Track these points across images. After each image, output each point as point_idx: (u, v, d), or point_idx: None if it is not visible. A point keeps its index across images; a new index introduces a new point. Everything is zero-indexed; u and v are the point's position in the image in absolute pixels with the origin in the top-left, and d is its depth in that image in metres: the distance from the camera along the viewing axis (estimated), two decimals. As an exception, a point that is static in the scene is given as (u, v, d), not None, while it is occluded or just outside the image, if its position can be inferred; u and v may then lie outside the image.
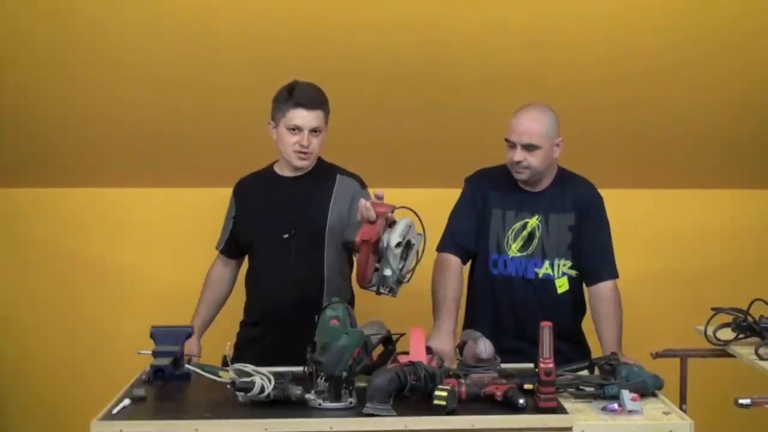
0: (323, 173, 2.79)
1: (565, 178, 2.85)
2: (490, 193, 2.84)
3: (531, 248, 2.77)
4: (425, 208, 3.89)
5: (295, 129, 2.67)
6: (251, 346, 2.75)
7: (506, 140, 2.73)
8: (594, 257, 2.79)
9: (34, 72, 3.19)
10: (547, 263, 2.77)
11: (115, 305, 3.75)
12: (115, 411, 2.13)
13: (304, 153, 2.70)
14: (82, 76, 3.21)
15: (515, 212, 2.79)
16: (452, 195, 3.83)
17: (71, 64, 3.16)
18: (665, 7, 3.06)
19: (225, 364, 2.48)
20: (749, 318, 2.65)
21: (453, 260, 2.80)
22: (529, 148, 2.69)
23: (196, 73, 3.22)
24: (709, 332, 2.72)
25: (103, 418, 2.09)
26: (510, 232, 2.79)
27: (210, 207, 3.51)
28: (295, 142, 2.68)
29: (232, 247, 2.91)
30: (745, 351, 2.60)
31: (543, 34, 3.14)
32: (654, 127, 3.54)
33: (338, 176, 2.81)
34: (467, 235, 2.84)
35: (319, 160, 2.80)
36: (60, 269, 3.76)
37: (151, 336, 2.48)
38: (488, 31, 3.11)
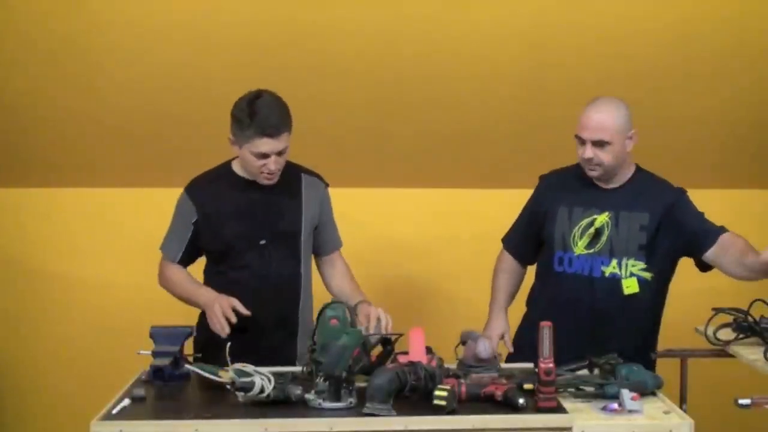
0: (288, 174, 2.72)
1: (642, 177, 2.76)
2: (559, 191, 2.78)
3: (598, 245, 2.68)
4: (423, 207, 3.90)
5: (262, 156, 2.59)
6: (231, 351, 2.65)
7: (576, 137, 2.65)
8: (701, 234, 2.66)
9: (25, 73, 3.20)
10: (614, 261, 2.67)
11: (115, 304, 3.75)
12: (115, 411, 2.13)
13: (272, 175, 2.64)
14: (75, 76, 3.22)
15: (583, 209, 2.71)
16: (453, 195, 3.85)
17: (62, 64, 3.17)
18: (663, 9, 3.06)
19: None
20: (749, 318, 2.65)
21: (509, 258, 2.91)
22: (600, 144, 2.60)
23: (189, 72, 3.23)
24: (709, 332, 2.72)
25: (103, 418, 2.09)
26: (576, 229, 2.71)
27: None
28: (261, 165, 2.60)
29: (191, 254, 2.78)
30: (745, 351, 2.60)
31: (542, 36, 3.14)
32: (653, 128, 3.53)
33: (302, 176, 2.79)
34: (526, 235, 2.88)
35: None
36: (60, 269, 3.76)
37: (151, 336, 2.48)
38: (488, 32, 3.11)
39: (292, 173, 2.75)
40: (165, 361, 2.37)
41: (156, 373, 2.37)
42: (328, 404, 2.14)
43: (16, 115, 3.38)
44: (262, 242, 2.70)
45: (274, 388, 2.15)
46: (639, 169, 2.77)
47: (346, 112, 3.36)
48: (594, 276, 2.68)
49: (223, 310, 2.56)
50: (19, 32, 3.06)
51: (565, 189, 2.77)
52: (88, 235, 3.77)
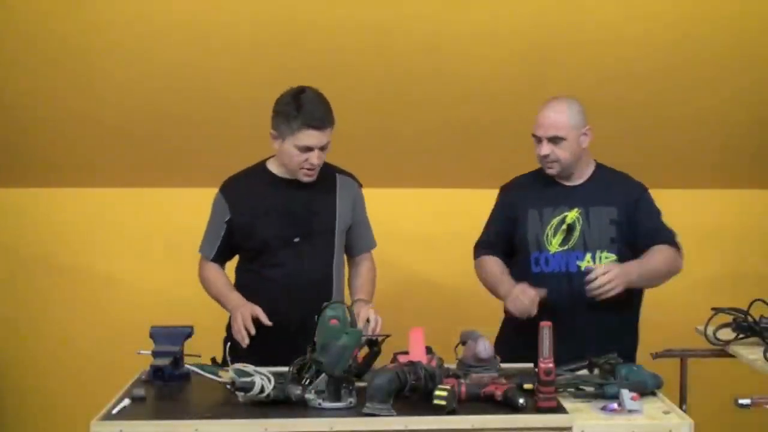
0: (323, 174, 2.74)
1: (604, 173, 2.84)
2: (525, 195, 2.84)
3: (572, 241, 2.74)
4: (424, 207, 3.90)
5: (306, 149, 2.61)
6: (258, 350, 2.63)
7: (533, 136, 2.74)
8: (648, 238, 2.74)
9: (27, 73, 3.20)
10: (588, 255, 2.73)
11: (115, 304, 3.75)
12: (115, 411, 2.13)
13: (313, 170, 2.66)
14: (74, 76, 3.21)
15: (552, 208, 2.78)
16: (455, 195, 3.85)
17: (62, 64, 3.16)
18: (663, 9, 3.06)
19: (215, 365, 2.46)
20: (749, 318, 2.66)
21: (488, 255, 2.88)
22: (555, 140, 2.70)
23: (189, 72, 3.23)
24: (709, 332, 2.72)
25: (103, 418, 2.09)
26: (549, 228, 2.76)
27: (205, 207, 3.51)
28: (304, 160, 2.62)
29: (224, 253, 2.80)
30: (745, 351, 2.60)
31: (543, 35, 3.14)
32: (653, 128, 3.54)
33: (338, 176, 2.80)
34: (499, 238, 2.88)
35: None
36: (60, 269, 3.76)
37: (151, 336, 2.48)
38: (488, 32, 3.12)
39: (327, 173, 2.76)
40: (165, 361, 2.38)
41: (156, 373, 2.37)
42: (328, 404, 2.14)
43: (16, 115, 3.38)
44: (296, 240, 2.71)
45: (274, 388, 2.15)
46: (599, 165, 2.85)
47: (348, 112, 3.35)
48: (571, 271, 2.72)
49: (244, 321, 2.58)
50: (18, 32, 3.06)
51: (531, 192, 2.84)
52: (89, 236, 3.77)
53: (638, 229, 2.75)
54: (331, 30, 3.08)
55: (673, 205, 3.85)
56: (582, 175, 2.81)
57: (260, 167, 2.79)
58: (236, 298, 2.70)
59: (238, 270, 2.84)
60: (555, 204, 2.77)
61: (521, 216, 2.81)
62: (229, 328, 2.74)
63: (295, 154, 2.62)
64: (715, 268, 3.87)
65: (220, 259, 2.82)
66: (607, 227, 2.74)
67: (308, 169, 2.65)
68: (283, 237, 2.71)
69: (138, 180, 3.71)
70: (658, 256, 2.71)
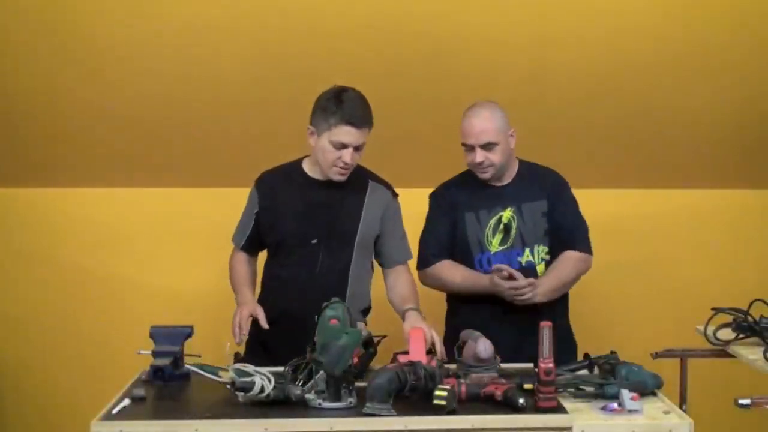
0: (355, 179, 2.73)
1: (528, 168, 2.92)
2: (458, 199, 2.89)
3: (510, 240, 2.82)
4: (424, 208, 3.90)
5: (341, 146, 2.61)
6: (266, 348, 2.70)
7: (463, 144, 2.79)
8: (566, 232, 2.85)
9: (26, 75, 3.20)
10: (527, 251, 2.82)
11: (115, 305, 3.75)
12: (115, 411, 2.13)
13: (345, 169, 2.66)
14: (81, 74, 3.20)
15: (488, 210, 2.84)
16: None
17: (71, 61, 3.16)
18: (653, 6, 3.06)
19: (237, 360, 2.46)
20: (749, 318, 2.65)
21: (448, 262, 2.87)
22: (488, 146, 2.76)
23: (198, 72, 3.22)
24: (709, 332, 2.73)
25: (103, 418, 2.09)
26: (488, 229, 2.83)
27: (211, 207, 3.51)
28: (337, 158, 2.62)
29: (253, 244, 2.85)
30: (745, 351, 2.60)
31: (543, 33, 3.14)
32: (654, 128, 3.54)
33: (370, 183, 2.79)
34: (447, 242, 2.88)
35: None
36: (60, 269, 3.75)
37: (151, 336, 2.48)
38: (489, 29, 3.11)
39: (360, 178, 2.76)
40: (165, 361, 2.38)
41: (156, 373, 2.37)
42: (328, 404, 2.14)
43: (15, 115, 3.38)
44: (313, 241, 2.71)
45: (274, 388, 2.15)
46: (521, 162, 2.93)
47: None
48: (514, 268, 2.74)
49: (240, 320, 2.63)
50: (19, 31, 3.05)
51: (463, 196, 2.89)
52: (89, 236, 3.77)
53: (558, 223, 2.84)
54: (358, 30, 3.07)
55: (674, 205, 3.88)
56: (510, 174, 2.88)
57: (295, 165, 2.80)
58: (244, 295, 2.74)
59: (265, 266, 2.88)
60: (489, 206, 2.84)
61: (459, 219, 2.86)
62: (256, 323, 2.74)
63: (329, 150, 2.62)
64: (716, 267, 3.87)
65: (250, 249, 2.87)
66: (540, 220, 2.84)
67: (341, 168, 2.64)
68: (300, 236, 2.72)
69: (139, 180, 3.71)
70: (567, 267, 2.81)
